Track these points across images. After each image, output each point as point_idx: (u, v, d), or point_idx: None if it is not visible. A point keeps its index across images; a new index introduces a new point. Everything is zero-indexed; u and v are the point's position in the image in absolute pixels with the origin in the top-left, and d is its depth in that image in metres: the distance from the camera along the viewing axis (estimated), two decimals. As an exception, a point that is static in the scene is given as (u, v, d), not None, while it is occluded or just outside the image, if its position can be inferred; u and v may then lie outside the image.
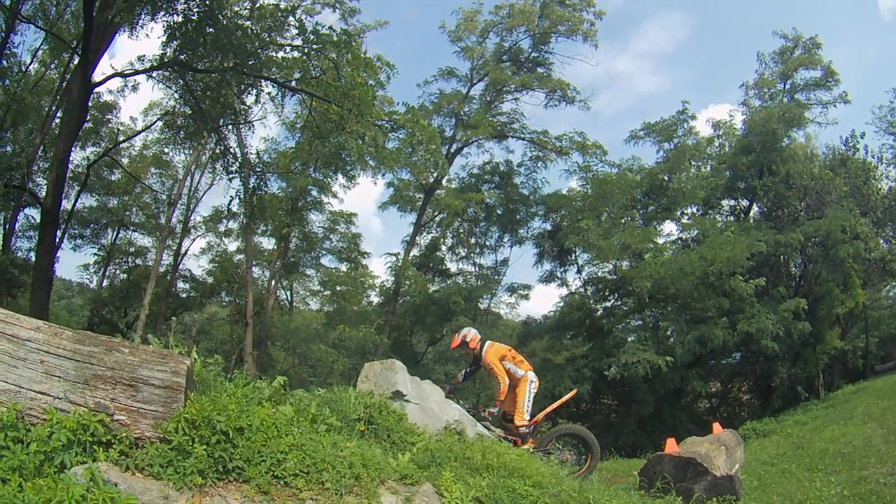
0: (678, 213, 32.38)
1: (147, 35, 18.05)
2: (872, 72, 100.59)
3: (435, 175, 32.01)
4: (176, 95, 19.52)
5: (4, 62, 24.38)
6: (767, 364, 29.30)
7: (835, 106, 32.10)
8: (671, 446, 9.85)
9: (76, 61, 18.54)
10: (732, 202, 34.90)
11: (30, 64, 27.83)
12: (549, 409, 11.36)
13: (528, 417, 10.33)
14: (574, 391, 13.44)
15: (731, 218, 33.98)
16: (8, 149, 26.14)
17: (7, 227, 30.09)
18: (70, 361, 4.53)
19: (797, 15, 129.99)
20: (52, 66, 29.16)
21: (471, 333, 10.96)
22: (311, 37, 16.10)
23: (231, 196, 20.58)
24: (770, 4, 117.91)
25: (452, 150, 32.85)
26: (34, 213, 30.26)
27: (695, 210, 33.10)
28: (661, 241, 31.71)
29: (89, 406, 4.42)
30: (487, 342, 10.91)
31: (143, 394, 4.55)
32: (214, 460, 4.40)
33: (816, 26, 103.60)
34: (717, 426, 11.93)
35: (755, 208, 34.10)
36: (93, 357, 4.57)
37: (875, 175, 34.76)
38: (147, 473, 4.26)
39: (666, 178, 31.63)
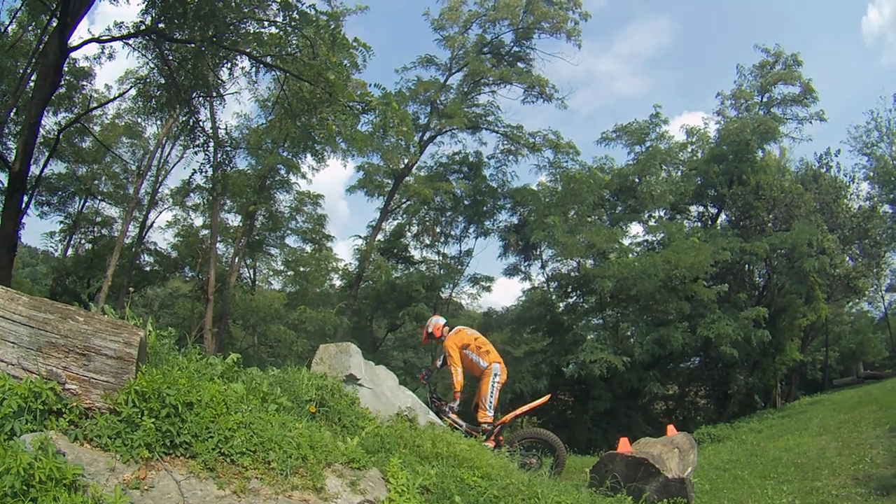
0: (646, 216, 32.68)
1: (127, 1, 17.80)
2: (852, 93, 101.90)
3: (406, 161, 31.97)
4: (151, 65, 19.33)
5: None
6: (726, 370, 29.73)
7: (811, 123, 32.51)
8: (624, 445, 9.81)
9: (54, 24, 18.27)
10: (701, 208, 35.28)
11: (8, 25, 27.32)
12: (519, 410, 11.24)
13: (490, 413, 10.14)
14: (548, 395, 13.30)
15: (699, 224, 34.36)
16: (-21, 110, 25.72)
17: (-27, 191, 29.71)
18: (25, 328, 4.51)
19: (782, 33, 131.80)
20: (30, 28, 28.65)
21: (432, 324, 10.84)
22: (293, 14, 15.98)
23: (194, 170, 20.39)
24: (756, 20, 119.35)
25: (425, 138, 32.75)
26: (1, 178, 29.87)
27: (662, 214, 33.37)
28: (626, 242, 32.07)
29: (41, 374, 4.40)
30: (455, 327, 10.76)
31: (95, 363, 4.54)
32: (162, 434, 4.40)
33: (800, 45, 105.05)
34: (671, 428, 12.01)
35: (723, 216, 34.51)
36: (47, 324, 4.56)
37: (846, 193, 35.28)
38: (95, 444, 4.26)
39: (636, 179, 31.85)
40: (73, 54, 22.26)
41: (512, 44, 33.63)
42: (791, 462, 13.69)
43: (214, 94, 19.83)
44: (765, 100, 33.31)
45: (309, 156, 23.86)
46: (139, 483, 4.06)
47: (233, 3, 16.24)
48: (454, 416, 10.18)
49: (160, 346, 5.87)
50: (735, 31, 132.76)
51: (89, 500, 3.66)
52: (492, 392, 10.19)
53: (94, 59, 29.27)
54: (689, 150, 34.66)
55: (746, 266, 31.73)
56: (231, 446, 4.61)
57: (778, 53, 32.88)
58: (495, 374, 10.29)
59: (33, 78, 23.55)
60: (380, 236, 35.59)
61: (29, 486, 3.56)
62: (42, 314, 4.60)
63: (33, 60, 25.45)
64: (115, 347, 4.62)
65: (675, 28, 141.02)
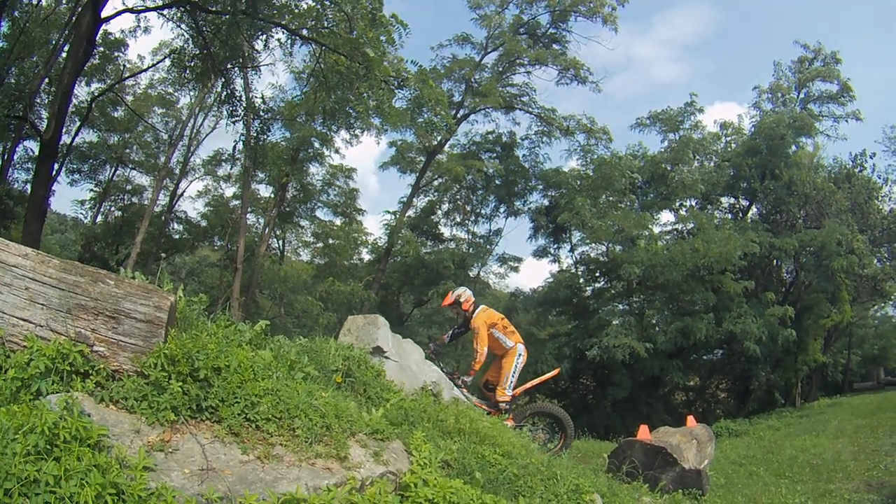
0: (676, 204, 32.59)
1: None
2: (888, 93, 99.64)
3: (439, 138, 31.95)
4: (185, 35, 19.37)
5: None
6: (748, 366, 29.66)
7: (846, 121, 32.31)
8: (644, 433, 9.85)
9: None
10: (732, 200, 35.21)
11: (42, -2, 27.58)
12: (529, 384, 11.25)
13: (509, 393, 10.15)
14: (557, 370, 13.32)
15: (729, 216, 34.13)
16: (12, 80, 25.88)
17: (6, 157, 30.10)
18: (55, 290, 4.53)
19: (820, 29, 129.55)
20: (64, 1, 28.87)
21: (465, 294, 10.79)
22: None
23: (235, 140, 20.51)
24: (794, 14, 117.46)
25: (459, 116, 32.72)
26: (34, 146, 30.19)
27: (693, 203, 33.21)
28: (656, 229, 31.96)
29: (70, 335, 4.42)
30: (481, 306, 10.71)
31: (125, 326, 4.55)
32: (189, 398, 4.41)
33: (838, 42, 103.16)
34: (691, 419, 11.98)
35: (754, 209, 34.31)
36: (77, 287, 4.57)
37: (878, 195, 34.85)
38: (121, 406, 4.27)
39: (668, 168, 31.70)
40: (107, 25, 22.34)
41: (548, 25, 33.45)
42: (806, 462, 13.72)
43: (249, 65, 19.86)
44: (801, 95, 33.07)
45: (343, 130, 23.86)
46: (164, 445, 4.07)
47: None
48: (464, 390, 10.19)
49: (190, 312, 5.88)
50: (773, 24, 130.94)
51: (113, 460, 3.66)
52: (514, 372, 10.22)
53: (130, 32, 29.59)
54: (723, 141, 34.49)
55: (775, 262, 31.56)
56: (257, 412, 4.61)
57: (818, 50, 32.68)
58: (519, 355, 10.31)
59: (66, 48, 23.74)
60: (410, 212, 35.75)
61: (53, 444, 3.57)
62: (72, 277, 4.62)
63: (66, 32, 25.61)
64: (146, 311, 4.62)
65: (715, 16, 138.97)
